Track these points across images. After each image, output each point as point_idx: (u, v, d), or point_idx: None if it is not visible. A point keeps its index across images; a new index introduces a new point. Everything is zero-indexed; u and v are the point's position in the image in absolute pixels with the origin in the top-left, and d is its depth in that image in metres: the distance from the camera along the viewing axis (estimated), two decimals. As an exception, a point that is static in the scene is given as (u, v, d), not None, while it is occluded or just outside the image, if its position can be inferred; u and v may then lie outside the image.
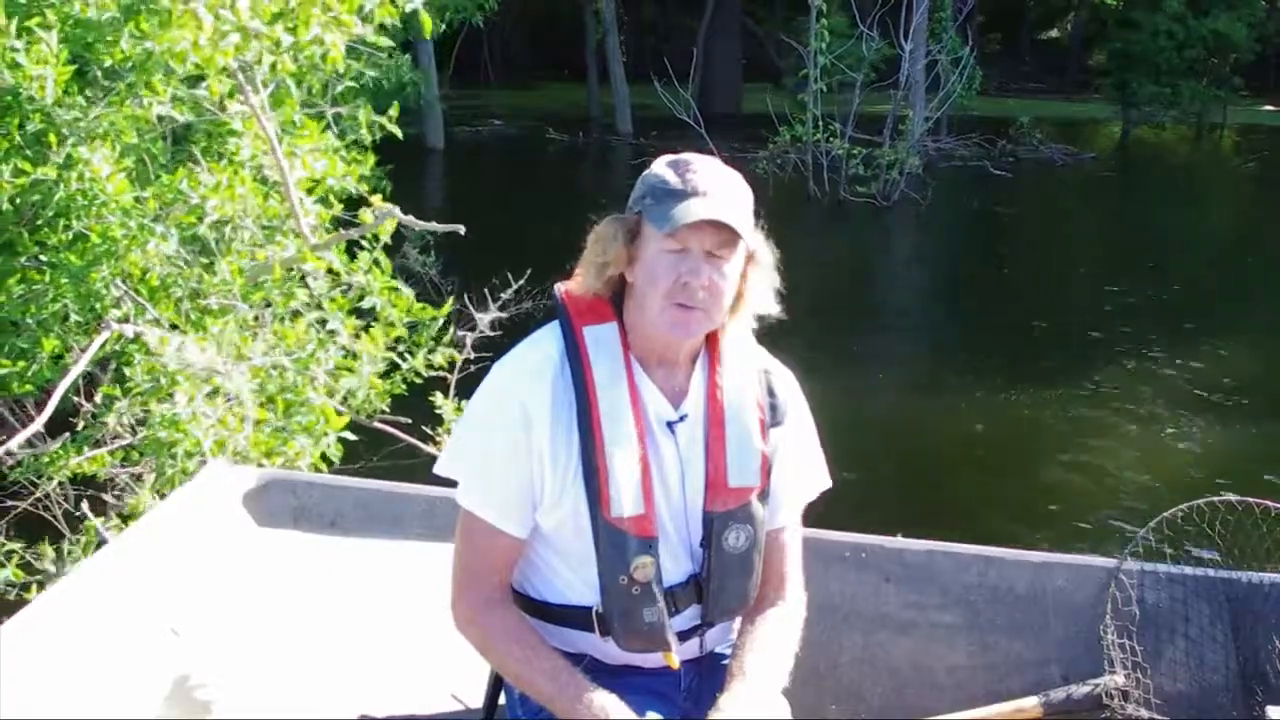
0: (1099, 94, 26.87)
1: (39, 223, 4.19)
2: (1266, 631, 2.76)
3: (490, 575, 1.88)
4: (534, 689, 1.82)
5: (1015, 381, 8.33)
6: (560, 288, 1.91)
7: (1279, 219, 15.73)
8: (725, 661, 1.91)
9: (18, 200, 3.93)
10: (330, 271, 4.37)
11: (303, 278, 4.41)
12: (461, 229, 4.28)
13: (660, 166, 1.83)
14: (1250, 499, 2.94)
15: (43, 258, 4.04)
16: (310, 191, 4.34)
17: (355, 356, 4.19)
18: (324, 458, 4.05)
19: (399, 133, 4.48)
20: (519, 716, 1.97)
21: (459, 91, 23.31)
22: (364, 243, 4.49)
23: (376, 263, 4.40)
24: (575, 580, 1.86)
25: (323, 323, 4.23)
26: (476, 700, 2.14)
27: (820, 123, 15.89)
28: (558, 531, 1.84)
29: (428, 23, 3.72)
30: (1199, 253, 13.62)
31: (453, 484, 1.92)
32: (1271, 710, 2.55)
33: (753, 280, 1.85)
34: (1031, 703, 2.80)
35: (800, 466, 1.97)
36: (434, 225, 4.40)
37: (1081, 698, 2.79)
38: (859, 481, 4.36)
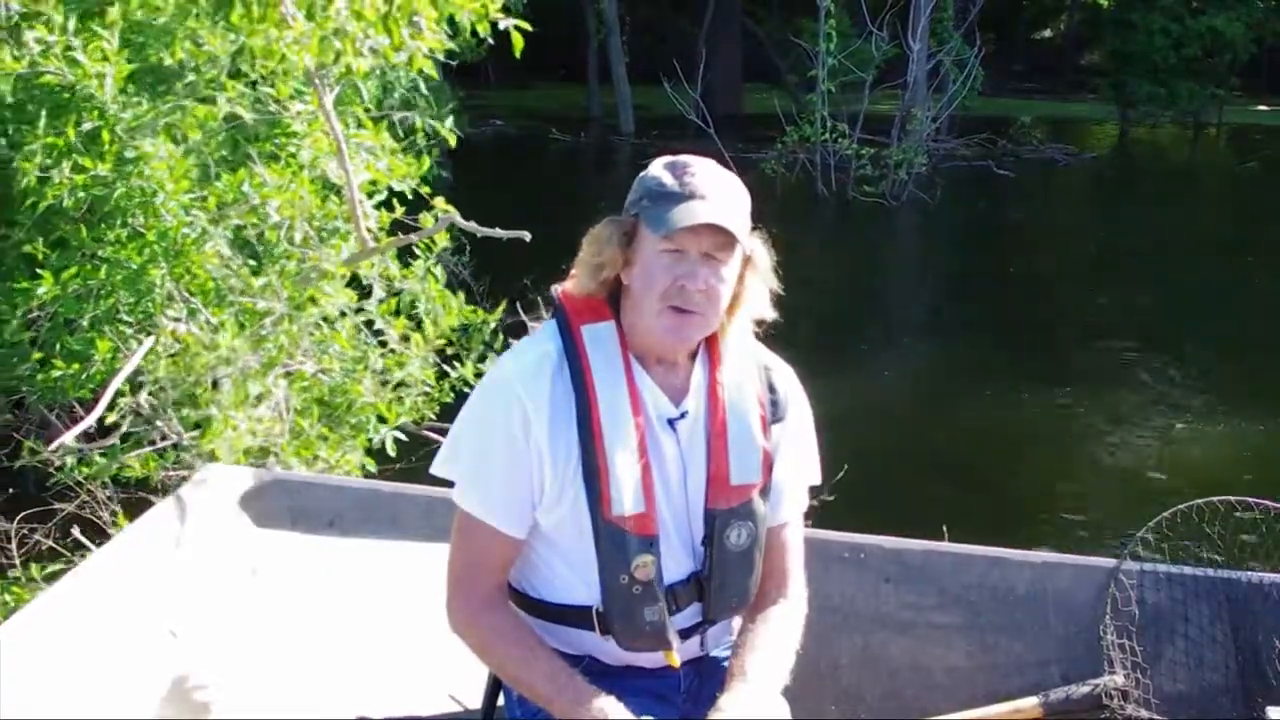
0: (1093, 94, 26.89)
1: (94, 219, 4.15)
2: (1266, 632, 2.76)
3: (487, 576, 1.87)
4: (532, 690, 1.81)
5: (1021, 381, 8.34)
6: (557, 287, 1.91)
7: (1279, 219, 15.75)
8: (725, 661, 1.90)
9: (78, 195, 3.87)
10: (382, 275, 4.30)
11: (352, 281, 4.35)
12: (527, 235, 4.18)
13: (657, 168, 1.82)
14: (1250, 498, 2.94)
15: (100, 254, 3.99)
16: (370, 195, 4.27)
17: (401, 364, 4.12)
18: (370, 454, 4.03)
19: (453, 138, 4.38)
20: (517, 717, 1.96)
21: (460, 92, 23.31)
22: (416, 249, 4.40)
23: (430, 271, 4.32)
24: (575, 579, 1.86)
25: (370, 324, 4.16)
26: (475, 701, 2.14)
27: (827, 123, 15.90)
28: (557, 531, 1.84)
29: (518, 41, 3.64)
30: (1202, 253, 13.62)
31: (450, 484, 1.92)
32: (1271, 711, 2.55)
33: (750, 283, 1.85)
34: (1031, 703, 2.79)
35: (801, 463, 1.96)
36: (496, 231, 4.26)
37: (1081, 698, 2.78)
38: (861, 480, 4.35)
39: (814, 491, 2.03)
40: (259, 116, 4.20)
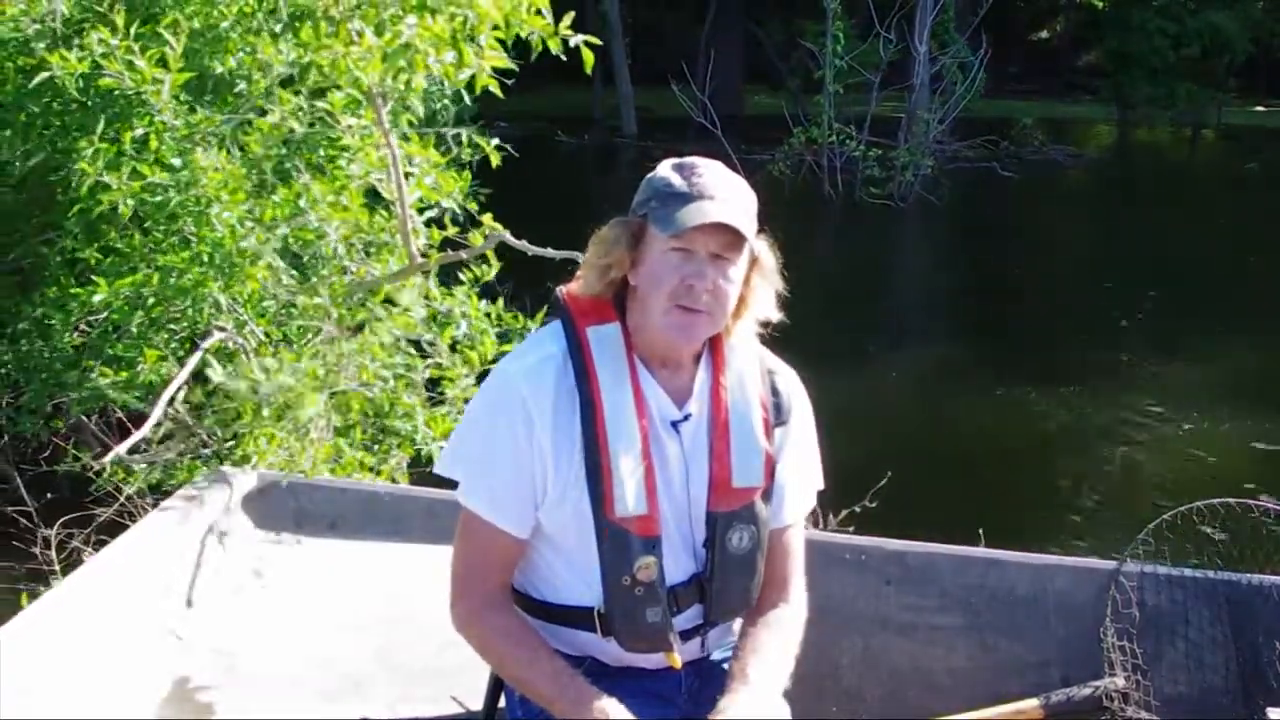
0: (1090, 95, 26.90)
1: (146, 225, 4.14)
2: (1267, 634, 2.76)
3: (490, 576, 1.88)
4: (534, 691, 1.82)
5: (1026, 382, 8.33)
6: (562, 289, 1.92)
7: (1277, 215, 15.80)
8: (726, 663, 1.90)
9: (128, 203, 3.83)
10: (423, 294, 4.23)
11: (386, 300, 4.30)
12: (580, 256, 4.13)
13: (665, 169, 1.83)
14: (1250, 500, 2.94)
15: (153, 262, 3.96)
16: (419, 211, 4.22)
17: (452, 380, 4.09)
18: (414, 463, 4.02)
19: (496, 157, 4.30)
20: (519, 718, 1.96)
21: (475, 99, 23.21)
22: (461, 274, 4.33)
23: (471, 296, 4.26)
24: (577, 580, 1.86)
25: (415, 344, 4.11)
26: (476, 702, 2.15)
27: (833, 124, 15.92)
28: (560, 531, 1.84)
29: (589, 58, 3.61)
30: (1206, 253, 13.60)
31: (453, 485, 1.92)
32: (1272, 712, 2.56)
33: (756, 284, 1.85)
34: (1032, 704, 2.80)
35: (803, 466, 1.97)
36: (548, 251, 4.18)
37: (1082, 700, 2.79)
38: (864, 479, 4.35)
39: (828, 494, 2.03)
40: (312, 130, 4.16)
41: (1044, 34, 34.36)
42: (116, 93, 3.86)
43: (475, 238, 4.13)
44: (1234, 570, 2.91)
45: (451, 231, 4.19)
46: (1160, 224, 15.15)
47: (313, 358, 3.76)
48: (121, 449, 3.57)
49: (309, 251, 4.19)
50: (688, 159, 1.84)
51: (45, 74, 3.65)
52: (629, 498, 1.78)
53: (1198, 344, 9.55)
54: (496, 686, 2.04)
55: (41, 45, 4.08)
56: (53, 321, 4.05)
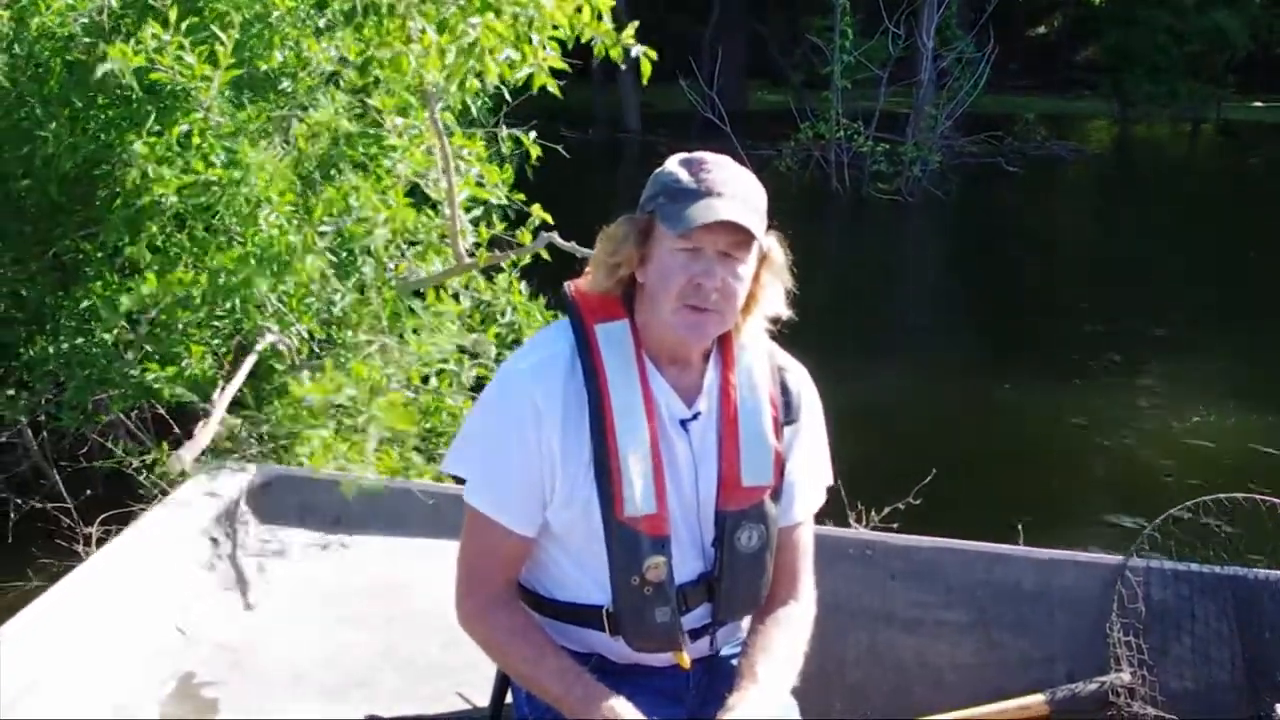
0: (1089, 90, 26.88)
1: (187, 222, 4.12)
2: (1274, 629, 2.76)
3: (496, 574, 1.87)
4: (541, 688, 1.81)
5: (1034, 377, 8.34)
6: (570, 286, 1.91)
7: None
8: (734, 661, 1.90)
9: (172, 199, 3.82)
10: (469, 287, 4.24)
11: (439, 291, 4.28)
12: None
13: (673, 165, 1.81)
14: (1257, 495, 2.94)
15: (203, 259, 3.92)
16: (466, 210, 4.19)
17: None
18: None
19: (536, 150, 4.27)
20: (525, 715, 1.96)
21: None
22: (502, 264, 4.31)
23: (514, 283, 4.26)
24: (585, 579, 1.85)
25: (461, 348, 4.09)
26: (482, 699, 2.14)
27: (840, 120, 15.93)
28: (568, 530, 1.83)
29: (647, 67, 3.59)
30: (1210, 248, 13.60)
31: (458, 481, 1.91)
32: (1279, 707, 2.55)
33: (765, 281, 1.83)
34: (1038, 700, 2.80)
35: (813, 464, 1.96)
36: (590, 251, 4.19)
37: (1088, 695, 2.79)
38: (870, 477, 4.35)
39: (834, 489, 2.03)
40: (361, 128, 4.13)
41: (1041, 29, 34.29)
42: (166, 88, 3.83)
43: (524, 235, 4.10)
44: (1240, 565, 2.90)
45: (499, 228, 4.16)
46: (1165, 219, 15.16)
47: (364, 360, 3.75)
48: (188, 451, 3.57)
49: (356, 248, 4.15)
50: (696, 154, 1.82)
51: (105, 66, 3.58)
52: (638, 497, 1.77)
53: (1205, 339, 9.54)
54: (503, 683, 2.03)
55: (86, 39, 4.06)
56: (97, 317, 4.01)
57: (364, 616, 2.92)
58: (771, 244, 1.83)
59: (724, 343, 1.88)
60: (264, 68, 4.08)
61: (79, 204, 4.33)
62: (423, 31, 3.41)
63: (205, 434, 3.65)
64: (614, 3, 3.50)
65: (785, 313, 1.88)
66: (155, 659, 2.66)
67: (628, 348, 1.82)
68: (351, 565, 3.12)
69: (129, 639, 2.66)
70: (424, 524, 3.20)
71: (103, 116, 4.10)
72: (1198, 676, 2.83)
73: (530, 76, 3.69)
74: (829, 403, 2.00)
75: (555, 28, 3.50)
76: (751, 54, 25.34)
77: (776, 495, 1.88)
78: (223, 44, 3.68)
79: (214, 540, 3.09)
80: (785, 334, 1.94)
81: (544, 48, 3.48)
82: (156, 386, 3.73)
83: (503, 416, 1.82)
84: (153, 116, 3.82)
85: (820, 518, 2.04)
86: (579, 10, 3.50)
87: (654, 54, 3.60)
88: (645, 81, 3.73)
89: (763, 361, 1.91)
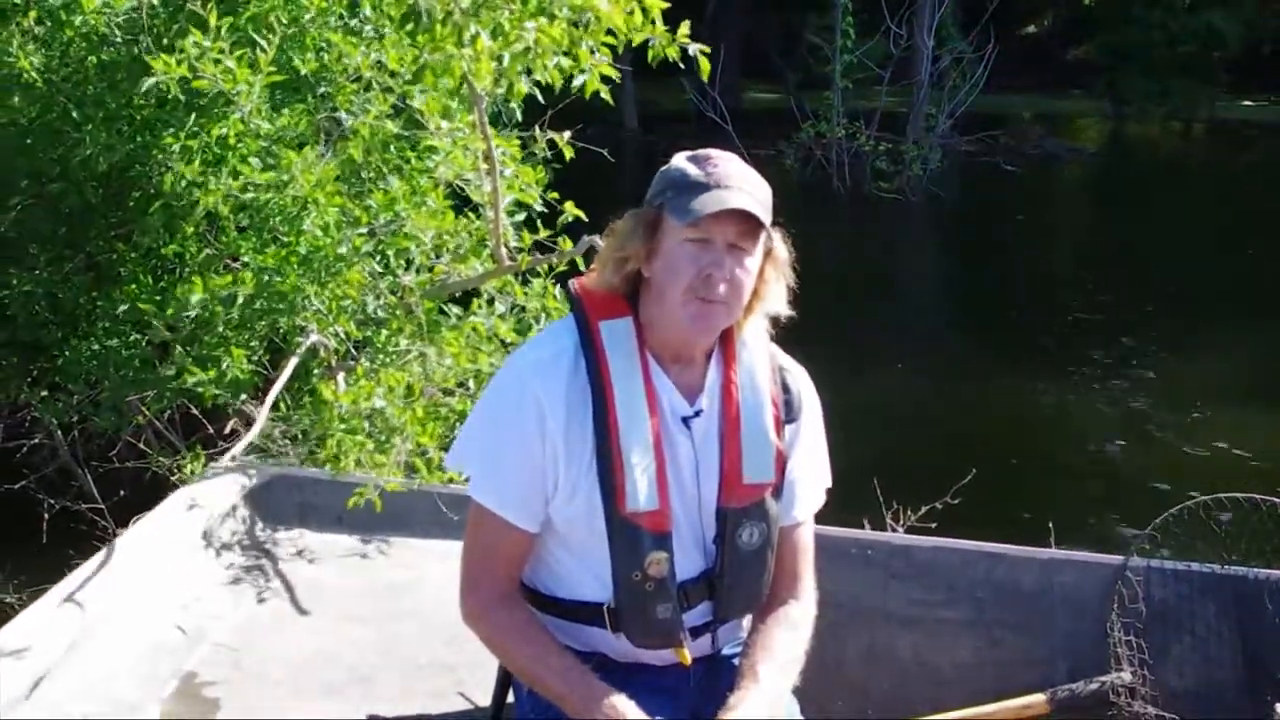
0: (1079, 89, 26.93)
1: (221, 224, 4.11)
2: (1274, 629, 2.76)
3: (500, 570, 1.87)
4: (544, 686, 1.81)
5: (1034, 377, 8.38)
6: (575, 282, 1.91)
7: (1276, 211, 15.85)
8: (735, 659, 1.90)
9: (222, 205, 3.81)
10: (505, 290, 4.22)
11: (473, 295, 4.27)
12: None
13: (680, 160, 1.82)
14: (1257, 495, 2.94)
15: (251, 262, 3.91)
16: (510, 215, 4.15)
17: None
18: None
19: (570, 151, 4.29)
20: (527, 713, 1.96)
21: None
22: (539, 269, 4.27)
23: (549, 288, 4.22)
24: (587, 576, 1.85)
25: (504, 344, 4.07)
26: (484, 697, 2.15)
27: (841, 119, 15.96)
28: (570, 527, 1.83)
29: (706, 64, 3.57)
30: (1210, 245, 13.64)
31: (460, 481, 1.91)
32: (1279, 707, 2.56)
33: (769, 277, 1.84)
34: (1038, 699, 2.80)
35: (813, 464, 1.96)
36: None
37: (1088, 695, 2.79)
38: (870, 475, 4.36)
39: (834, 490, 2.03)
40: (405, 132, 4.11)
41: (1031, 28, 34.32)
42: (211, 92, 3.80)
43: (565, 242, 4.08)
44: (1241, 565, 2.91)
45: (543, 234, 4.14)
46: (1163, 217, 15.20)
47: (401, 369, 3.74)
48: (238, 449, 3.56)
49: (397, 250, 4.14)
50: (702, 150, 1.83)
51: (150, 80, 3.53)
52: (640, 493, 1.78)
53: (1207, 338, 9.57)
54: (505, 681, 2.04)
55: (120, 39, 4.05)
56: (133, 319, 4.01)
57: (365, 615, 2.92)
58: (776, 239, 1.84)
59: (726, 341, 1.88)
60: (302, 72, 4.06)
61: (112, 205, 4.33)
62: (475, 36, 3.38)
63: (251, 434, 3.65)
64: (667, 4, 3.49)
65: (786, 311, 1.88)
66: (157, 658, 2.66)
67: (631, 345, 1.82)
68: (353, 565, 3.13)
69: (131, 638, 2.66)
70: (426, 524, 3.21)
71: (138, 118, 4.10)
72: (1198, 676, 2.84)
73: (568, 80, 3.64)
74: (826, 402, 2.00)
75: (609, 33, 3.48)
76: (743, 53, 25.39)
77: (778, 493, 1.89)
78: (263, 49, 3.66)
79: (216, 540, 3.09)
80: (788, 333, 1.94)
81: (593, 53, 3.44)
82: (200, 390, 3.71)
83: (506, 413, 1.82)
84: (191, 119, 3.82)
85: (820, 518, 2.04)
86: (630, 13, 3.48)
87: (708, 49, 3.58)
88: (705, 79, 3.70)
89: (764, 360, 1.91)
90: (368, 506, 3.15)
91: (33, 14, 4.12)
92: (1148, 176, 19.86)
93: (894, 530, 4.15)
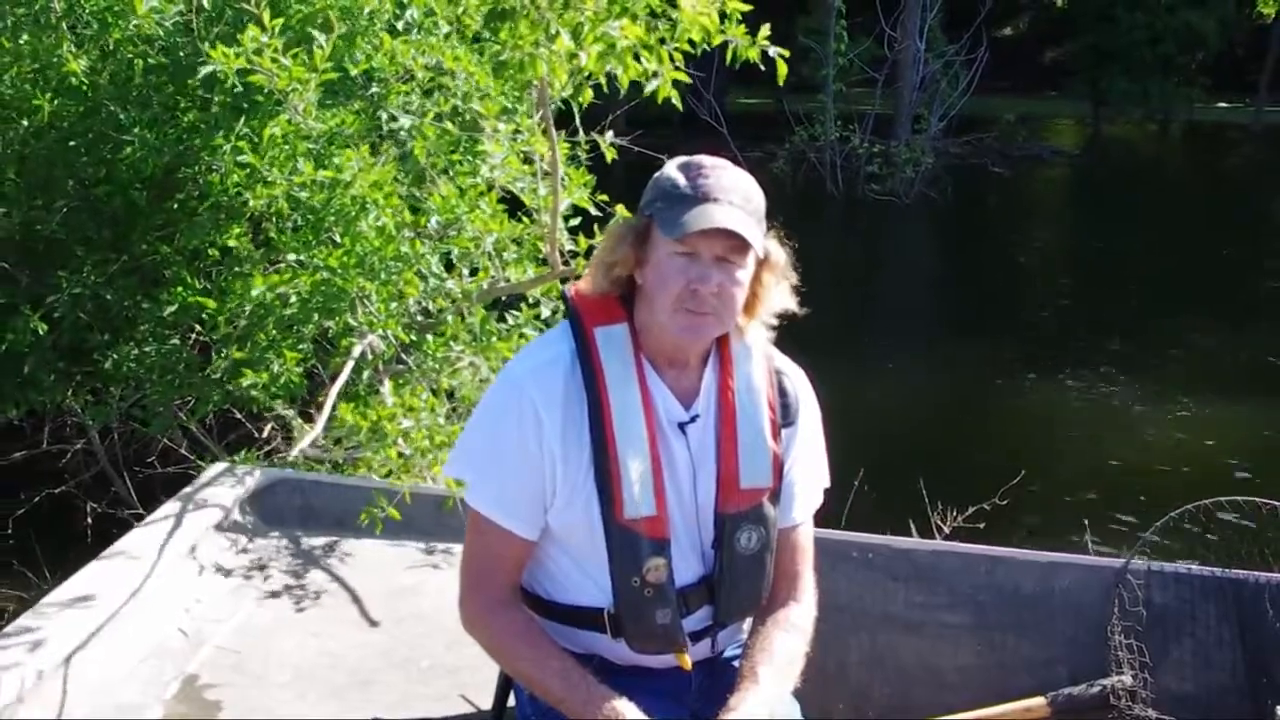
0: (1056, 91, 27.02)
1: (263, 224, 4.09)
2: (1274, 632, 2.76)
3: (499, 576, 1.87)
4: (544, 689, 1.81)
5: (1030, 379, 8.40)
6: (570, 288, 1.91)
7: (1265, 208, 15.92)
8: (736, 662, 1.90)
9: (281, 203, 3.79)
10: (552, 296, 4.20)
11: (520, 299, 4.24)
12: None
13: (671, 169, 1.81)
14: (1257, 499, 2.95)
15: (307, 261, 3.87)
16: (566, 220, 4.12)
17: None
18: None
19: (612, 153, 4.18)
20: (528, 716, 1.96)
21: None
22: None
23: None
24: (586, 581, 1.86)
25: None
26: (485, 700, 2.15)
27: (834, 122, 16.02)
28: (569, 532, 1.83)
29: (783, 69, 3.55)
30: (1204, 243, 13.67)
31: (460, 485, 1.91)
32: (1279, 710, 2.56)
33: (767, 282, 1.84)
34: (1039, 702, 2.80)
35: (811, 466, 1.96)
36: None
37: (1089, 698, 2.79)
38: (871, 478, 4.37)
39: (833, 492, 2.03)
40: (458, 134, 4.07)
41: (1008, 30, 34.36)
42: (255, 91, 3.79)
43: None
44: (1241, 568, 2.91)
45: (598, 238, 4.13)
46: (1149, 217, 15.31)
47: (451, 377, 3.72)
48: (300, 449, 3.56)
49: (461, 253, 4.12)
50: (694, 158, 1.81)
51: (207, 68, 3.51)
52: (637, 499, 1.78)
53: (1205, 339, 9.58)
54: (506, 684, 2.04)
55: (166, 41, 4.03)
56: (185, 319, 3.98)
57: (367, 618, 2.92)
58: (772, 245, 1.83)
59: (722, 345, 1.88)
60: (354, 72, 4.04)
61: (157, 207, 4.31)
62: (556, 35, 3.35)
63: (315, 432, 3.64)
64: (749, 7, 3.46)
65: (792, 306, 1.87)
66: (159, 660, 2.66)
67: (627, 351, 1.82)
68: (354, 567, 3.13)
69: (133, 640, 2.66)
70: (426, 526, 3.21)
71: (185, 119, 4.09)
72: (1198, 679, 2.84)
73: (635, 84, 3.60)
74: (823, 403, 2.00)
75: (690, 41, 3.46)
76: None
77: (775, 497, 1.89)
78: (320, 45, 3.62)
79: (218, 543, 3.09)
80: (784, 333, 1.94)
81: (670, 58, 3.41)
82: (253, 393, 3.69)
83: (504, 420, 1.82)
84: (242, 119, 3.80)
85: (821, 518, 2.04)
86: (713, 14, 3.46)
87: (787, 52, 3.55)
88: (781, 83, 3.65)
89: (761, 364, 1.91)
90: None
91: (88, 9, 4.09)
92: (1130, 176, 20.01)
93: (939, 532, 4.15)
